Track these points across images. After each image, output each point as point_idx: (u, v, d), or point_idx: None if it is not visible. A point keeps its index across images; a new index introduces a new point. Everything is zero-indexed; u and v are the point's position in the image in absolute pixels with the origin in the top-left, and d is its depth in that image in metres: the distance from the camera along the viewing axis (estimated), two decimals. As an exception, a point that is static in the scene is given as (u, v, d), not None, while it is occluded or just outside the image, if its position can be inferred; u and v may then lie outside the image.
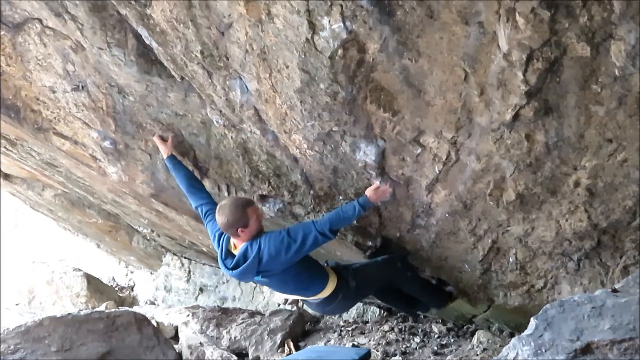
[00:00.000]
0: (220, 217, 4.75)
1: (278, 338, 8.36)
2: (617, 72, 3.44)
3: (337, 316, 9.29)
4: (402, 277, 5.67)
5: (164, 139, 5.42)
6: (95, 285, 13.56)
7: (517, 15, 3.29)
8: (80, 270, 13.73)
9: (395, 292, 6.14)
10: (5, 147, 7.17)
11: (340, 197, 5.34)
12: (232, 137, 5.24)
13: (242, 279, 5.11)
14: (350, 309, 9.04)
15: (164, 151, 5.40)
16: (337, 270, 5.41)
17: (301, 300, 5.74)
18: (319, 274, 5.24)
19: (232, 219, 4.71)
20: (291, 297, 5.69)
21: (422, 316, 8.23)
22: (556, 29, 3.33)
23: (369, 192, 4.88)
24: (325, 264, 5.47)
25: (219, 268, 11.39)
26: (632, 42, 3.24)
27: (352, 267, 5.53)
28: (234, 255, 4.92)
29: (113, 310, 8.90)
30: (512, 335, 6.85)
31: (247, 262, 4.77)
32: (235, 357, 8.24)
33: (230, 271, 4.89)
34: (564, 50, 3.45)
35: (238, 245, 4.92)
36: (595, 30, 3.30)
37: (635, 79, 3.42)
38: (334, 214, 4.87)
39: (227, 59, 4.38)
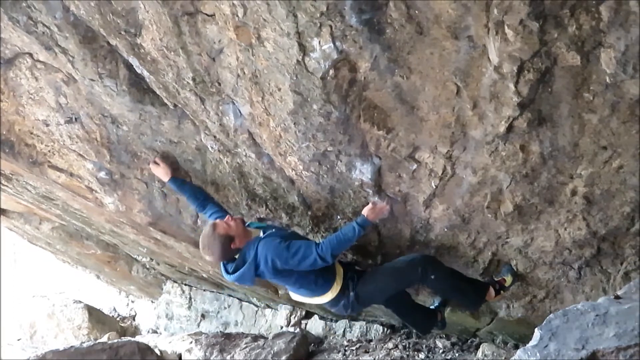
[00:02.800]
0: (211, 256, 4.81)
1: (282, 361, 8.32)
2: (608, 80, 3.45)
3: (340, 336, 9.26)
4: (426, 281, 5.28)
5: (158, 164, 5.40)
6: (96, 317, 13.48)
7: (506, 27, 3.30)
8: (80, 302, 13.65)
9: (409, 308, 6.02)
10: (1, 183, 7.15)
11: (338, 217, 5.33)
12: (227, 162, 5.24)
13: (241, 282, 5.03)
14: (354, 327, 9.05)
15: (163, 175, 5.40)
16: (345, 273, 5.26)
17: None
18: (324, 276, 5.10)
19: (219, 246, 4.74)
20: (300, 298, 5.53)
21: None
22: (546, 40, 3.35)
23: (366, 211, 4.85)
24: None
25: (220, 293, 11.38)
26: (622, 49, 3.26)
27: (362, 273, 5.34)
28: (234, 260, 4.92)
29: (116, 340, 8.88)
30: (516, 347, 6.83)
31: (244, 267, 4.78)
32: (241, 382, 8.21)
33: (230, 275, 4.89)
34: (554, 60, 3.46)
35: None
36: (585, 39, 3.31)
37: (626, 85, 3.43)
38: (334, 239, 4.79)
39: (219, 84, 4.39)
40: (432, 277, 5.15)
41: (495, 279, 5.43)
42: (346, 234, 4.81)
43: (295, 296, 5.48)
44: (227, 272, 4.94)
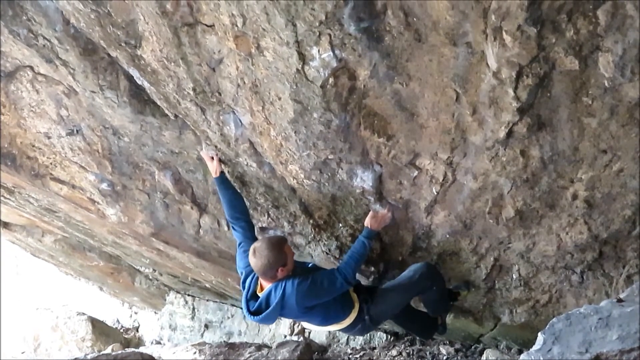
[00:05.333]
0: (259, 260, 4.58)
1: (286, 370, 8.31)
2: (606, 83, 3.46)
3: (344, 344, 9.25)
4: (427, 291, 5.42)
5: (212, 159, 5.17)
6: (100, 328, 13.48)
7: (504, 33, 3.31)
8: (84, 314, 13.65)
9: (410, 316, 6.05)
10: (3, 196, 7.16)
11: (340, 225, 5.34)
12: (228, 172, 5.25)
13: (263, 323, 4.98)
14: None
15: (212, 170, 5.19)
16: (358, 296, 5.25)
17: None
18: (343, 304, 5.11)
19: (273, 259, 4.57)
20: (316, 328, 5.55)
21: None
22: (544, 45, 3.36)
23: (368, 221, 4.90)
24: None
25: (223, 303, 11.37)
26: (620, 53, 3.27)
27: (374, 295, 5.31)
28: (257, 298, 4.80)
29: (120, 352, 8.86)
30: (520, 351, 6.82)
31: (269, 309, 4.67)
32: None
33: (252, 316, 4.76)
34: (552, 65, 3.47)
35: (265, 287, 4.78)
36: (582, 43, 3.32)
37: (625, 88, 3.44)
38: (349, 259, 4.88)
39: (220, 94, 4.40)
40: (434, 288, 5.32)
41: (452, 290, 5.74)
42: (358, 250, 4.90)
43: (311, 326, 5.50)
44: (249, 311, 4.80)
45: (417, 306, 6.09)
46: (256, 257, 4.59)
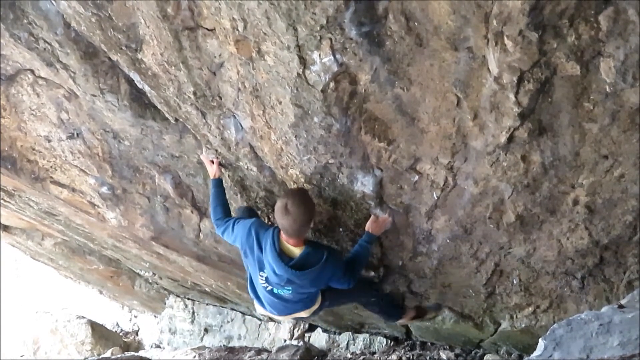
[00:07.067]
0: (300, 214, 4.43)
1: (286, 374, 8.30)
2: (608, 89, 3.45)
3: (344, 349, 9.24)
4: (367, 301, 5.78)
5: (213, 162, 5.16)
6: (99, 332, 13.48)
7: (505, 38, 3.30)
8: (83, 317, 13.65)
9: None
10: (3, 199, 7.16)
11: (341, 229, 5.33)
12: (229, 176, 5.25)
13: (302, 280, 4.74)
14: (357, 340, 9.05)
15: (211, 172, 5.18)
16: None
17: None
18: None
19: (312, 209, 4.58)
20: (289, 317, 5.58)
21: (429, 343, 8.18)
22: (545, 50, 3.35)
23: (369, 226, 4.91)
24: None
25: (223, 307, 11.35)
26: (621, 58, 3.26)
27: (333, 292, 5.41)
28: (285, 256, 4.63)
29: (119, 355, 8.88)
30: (520, 357, 6.81)
31: (314, 267, 4.60)
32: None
33: (294, 270, 4.58)
34: (554, 70, 3.46)
35: (292, 246, 4.65)
36: (584, 48, 3.31)
37: (626, 94, 3.43)
38: (355, 265, 4.97)
39: (220, 98, 4.40)
40: (372, 299, 5.83)
41: (423, 307, 6.05)
42: (362, 255, 5.00)
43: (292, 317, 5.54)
44: (285, 264, 4.59)
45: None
46: (295, 211, 4.42)
